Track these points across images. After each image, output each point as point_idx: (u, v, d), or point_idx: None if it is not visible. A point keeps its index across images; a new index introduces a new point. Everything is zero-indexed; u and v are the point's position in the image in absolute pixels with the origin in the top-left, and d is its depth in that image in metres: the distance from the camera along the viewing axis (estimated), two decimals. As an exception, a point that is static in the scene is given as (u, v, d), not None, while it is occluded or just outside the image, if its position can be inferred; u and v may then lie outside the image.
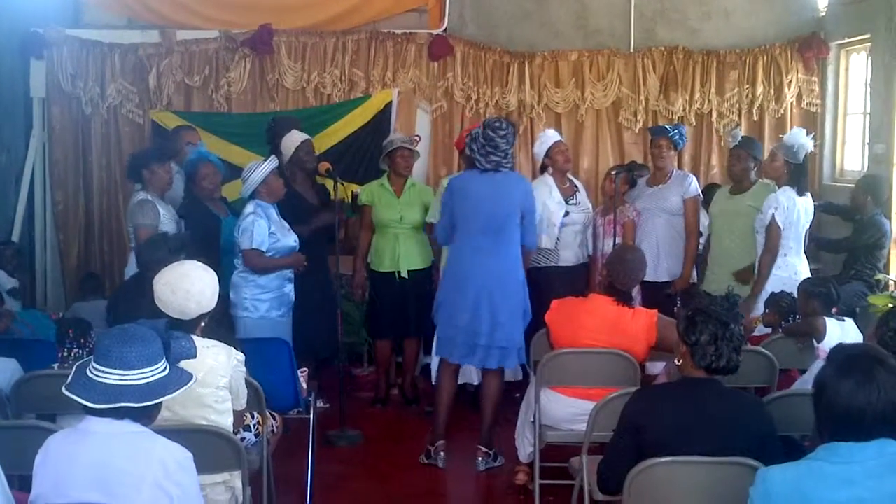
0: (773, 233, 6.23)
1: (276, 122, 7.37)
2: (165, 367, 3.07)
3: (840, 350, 2.93)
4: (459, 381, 6.50)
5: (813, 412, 2.87)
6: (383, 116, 8.27)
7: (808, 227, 6.46)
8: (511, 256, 5.93)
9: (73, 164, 8.46)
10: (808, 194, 6.41)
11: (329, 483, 5.83)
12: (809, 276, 6.35)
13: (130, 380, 2.96)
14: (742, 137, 6.82)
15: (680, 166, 8.47)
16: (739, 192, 6.68)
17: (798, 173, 6.29)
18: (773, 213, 6.19)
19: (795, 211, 6.24)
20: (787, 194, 6.23)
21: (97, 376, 2.96)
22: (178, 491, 2.99)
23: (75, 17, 8.81)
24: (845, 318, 5.33)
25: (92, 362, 3.00)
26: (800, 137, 6.29)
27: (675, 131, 7.14)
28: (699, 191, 7.22)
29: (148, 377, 2.99)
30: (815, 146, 6.49)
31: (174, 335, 3.22)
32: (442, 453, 6.09)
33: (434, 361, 6.65)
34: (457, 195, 5.99)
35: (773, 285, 6.19)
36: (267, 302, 6.19)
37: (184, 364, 3.25)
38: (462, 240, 5.99)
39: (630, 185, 7.23)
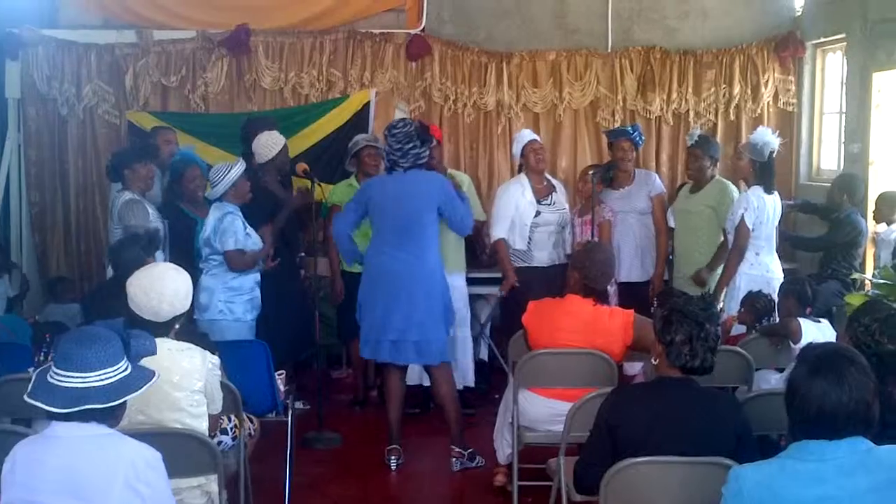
0: (741, 233, 6.27)
1: (251, 123, 7.33)
2: (127, 366, 3.04)
3: (811, 350, 2.95)
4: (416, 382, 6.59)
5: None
6: (361, 117, 8.25)
7: (777, 224, 6.49)
8: (425, 254, 5.98)
9: (49, 166, 8.41)
10: (776, 192, 6.44)
11: (307, 485, 5.81)
12: (782, 273, 6.42)
13: (93, 381, 2.93)
14: (699, 137, 6.89)
15: (657, 166, 8.54)
16: (696, 191, 6.76)
17: (764, 171, 6.31)
18: (743, 214, 6.23)
19: (765, 210, 6.28)
20: (756, 194, 6.27)
21: (59, 381, 2.93)
22: (148, 490, 2.97)
23: (51, 18, 8.74)
24: (821, 320, 5.36)
25: (52, 367, 2.96)
26: (765, 136, 6.32)
27: (635, 131, 7.18)
28: (664, 188, 7.30)
29: (110, 377, 2.96)
30: (781, 144, 6.51)
31: (133, 333, 3.19)
32: (393, 458, 6.11)
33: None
34: (369, 197, 6.10)
35: (746, 283, 6.23)
36: (241, 305, 6.18)
37: (158, 368, 3.23)
38: (375, 240, 6.12)
39: (605, 185, 7.25)
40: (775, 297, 5.81)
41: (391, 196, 5.99)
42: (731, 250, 6.34)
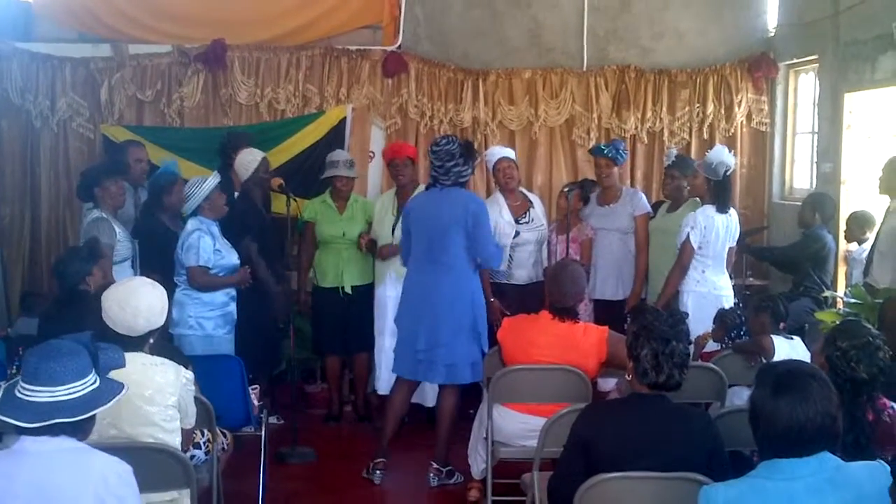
0: (684, 250, 6.33)
1: (230, 138, 7.33)
2: (96, 379, 3.03)
3: (769, 369, 2.97)
4: (414, 400, 6.54)
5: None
6: (337, 132, 8.24)
7: (732, 244, 6.52)
8: (454, 273, 5.89)
9: (21, 179, 8.33)
10: (731, 211, 6.49)
11: (280, 500, 5.80)
12: (731, 290, 6.49)
13: (62, 395, 2.91)
14: (675, 156, 6.95)
15: (632, 184, 8.56)
16: (673, 211, 6.81)
17: (719, 190, 6.36)
18: (689, 232, 6.29)
19: (714, 229, 6.32)
20: (705, 213, 6.33)
21: (27, 395, 2.91)
22: None
23: (26, 31, 8.66)
24: (793, 337, 5.40)
25: (20, 382, 2.95)
26: (721, 155, 6.37)
27: (611, 148, 7.19)
28: (649, 208, 7.28)
29: (79, 391, 2.95)
30: (736, 163, 6.57)
31: (101, 346, 3.17)
32: (378, 471, 6.09)
33: (380, 376, 6.81)
34: (407, 215, 6.11)
35: (693, 301, 6.30)
36: (212, 320, 6.15)
37: (131, 382, 3.22)
38: (412, 258, 6.08)
39: (584, 202, 7.28)
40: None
41: (426, 213, 5.97)
42: (674, 267, 6.39)
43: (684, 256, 6.32)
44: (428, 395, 6.80)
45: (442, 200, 5.93)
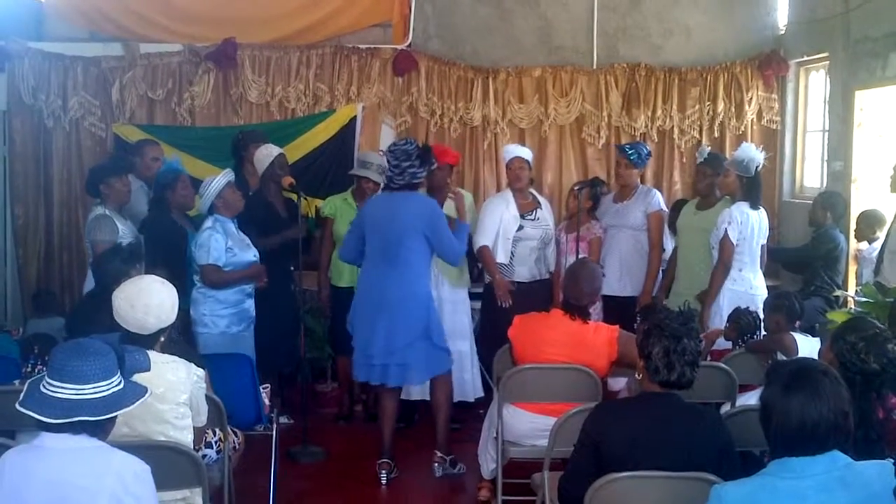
0: (725, 248, 6.32)
1: (243, 136, 7.36)
2: (120, 381, 3.04)
3: (780, 368, 2.97)
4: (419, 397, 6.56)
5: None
6: (348, 131, 8.27)
7: (763, 241, 6.53)
8: (408, 276, 5.97)
9: (34, 178, 8.38)
10: (762, 208, 6.49)
11: (291, 499, 5.81)
12: (765, 289, 6.46)
13: (86, 394, 2.93)
14: (708, 154, 6.94)
15: (642, 182, 8.54)
16: (705, 208, 6.78)
17: (751, 187, 6.38)
18: (726, 229, 6.29)
19: (749, 226, 6.33)
20: (740, 209, 6.33)
21: (52, 391, 2.93)
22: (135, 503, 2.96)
23: (37, 30, 8.73)
24: (808, 335, 5.39)
25: (46, 377, 2.96)
26: (749, 151, 6.40)
27: (633, 150, 7.19)
28: (662, 206, 7.28)
29: (103, 391, 2.96)
30: (765, 159, 6.57)
31: (128, 348, 3.19)
32: (384, 472, 6.10)
33: None
34: (364, 216, 6.15)
35: (728, 300, 6.28)
36: (226, 318, 6.18)
37: (142, 380, 3.23)
38: (366, 259, 6.13)
39: (593, 200, 7.27)
40: (760, 314, 5.84)
41: (381, 216, 6.01)
42: (716, 265, 6.38)
43: (726, 254, 6.32)
44: (412, 389, 6.77)
45: (398, 205, 5.98)
